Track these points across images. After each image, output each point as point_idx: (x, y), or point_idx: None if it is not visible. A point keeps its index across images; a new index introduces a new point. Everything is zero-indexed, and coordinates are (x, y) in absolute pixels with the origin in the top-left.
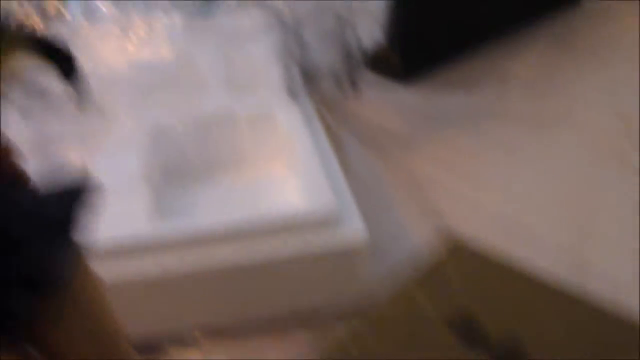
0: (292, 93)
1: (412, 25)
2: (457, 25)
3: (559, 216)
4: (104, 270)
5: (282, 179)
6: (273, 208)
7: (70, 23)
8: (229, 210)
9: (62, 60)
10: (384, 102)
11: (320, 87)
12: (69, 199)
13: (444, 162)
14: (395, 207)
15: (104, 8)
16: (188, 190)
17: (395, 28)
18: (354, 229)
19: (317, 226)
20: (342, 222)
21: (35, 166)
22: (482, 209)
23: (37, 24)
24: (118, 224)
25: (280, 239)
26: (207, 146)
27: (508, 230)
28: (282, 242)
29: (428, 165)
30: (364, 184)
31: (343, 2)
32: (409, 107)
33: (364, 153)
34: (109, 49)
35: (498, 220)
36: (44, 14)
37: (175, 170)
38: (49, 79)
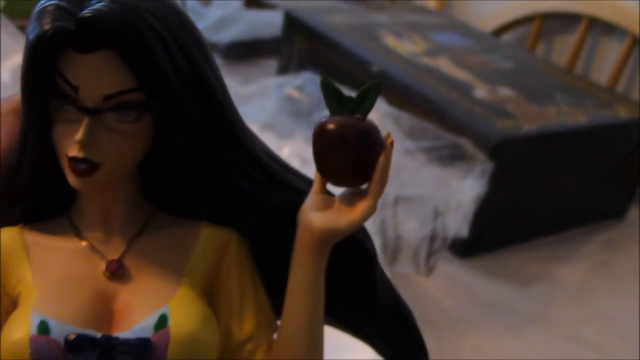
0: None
1: (489, 220)
2: (522, 221)
3: None
4: None
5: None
6: None
7: None
8: None
9: None
10: (444, 277)
11: (399, 261)
12: None
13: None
14: None
15: None
16: None
17: (475, 221)
18: None
19: None
20: None
21: None
22: None
23: None
24: None
25: None
26: None
27: None
28: None
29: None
30: None
31: (442, 197)
32: (466, 287)
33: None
34: None
35: None
36: None
37: None
38: None
